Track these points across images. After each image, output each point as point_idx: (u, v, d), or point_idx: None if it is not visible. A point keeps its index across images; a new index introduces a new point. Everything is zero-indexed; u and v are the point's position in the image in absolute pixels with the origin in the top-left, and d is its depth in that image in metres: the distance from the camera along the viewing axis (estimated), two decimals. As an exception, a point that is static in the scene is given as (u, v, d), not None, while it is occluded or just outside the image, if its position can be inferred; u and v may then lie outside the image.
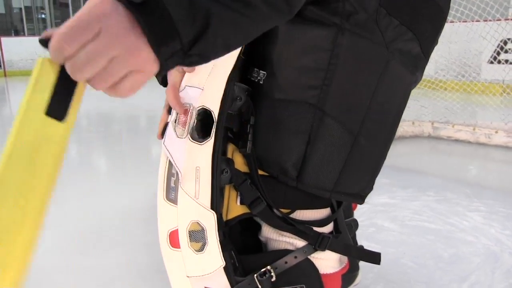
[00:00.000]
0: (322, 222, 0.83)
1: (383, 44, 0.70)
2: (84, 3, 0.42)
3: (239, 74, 0.75)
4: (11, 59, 11.16)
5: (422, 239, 1.90)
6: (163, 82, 0.78)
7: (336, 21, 0.69)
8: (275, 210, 0.78)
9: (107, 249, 1.87)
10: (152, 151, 3.98)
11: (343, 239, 0.87)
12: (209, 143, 0.71)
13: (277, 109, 0.74)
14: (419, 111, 3.79)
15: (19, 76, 10.93)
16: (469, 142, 3.50)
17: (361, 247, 1.03)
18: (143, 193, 2.53)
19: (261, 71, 0.75)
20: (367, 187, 0.80)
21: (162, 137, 0.76)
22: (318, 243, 0.80)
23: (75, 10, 12.50)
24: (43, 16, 13.97)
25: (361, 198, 0.80)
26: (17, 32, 13.65)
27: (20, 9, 13.37)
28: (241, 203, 0.78)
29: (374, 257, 0.87)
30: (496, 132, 3.41)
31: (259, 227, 0.86)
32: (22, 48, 11.08)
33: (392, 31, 0.71)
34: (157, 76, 0.66)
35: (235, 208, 0.78)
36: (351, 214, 1.11)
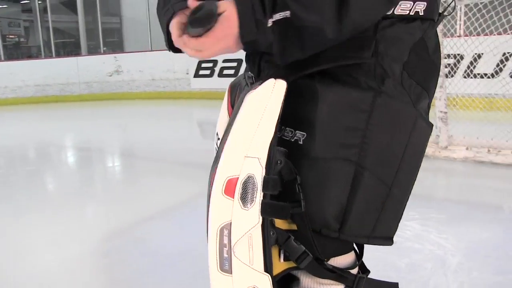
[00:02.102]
0: (354, 265, 0.87)
1: (411, 104, 0.78)
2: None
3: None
4: None
5: (377, 253, 2.00)
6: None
7: (372, 85, 0.75)
8: (325, 262, 0.80)
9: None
10: (48, 187, 3.77)
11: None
12: (255, 208, 0.71)
13: (319, 167, 0.76)
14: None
15: None
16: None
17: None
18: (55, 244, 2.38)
19: (297, 131, 0.77)
20: (395, 229, 0.86)
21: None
22: (355, 284, 0.84)
23: None
24: None
25: (391, 240, 0.85)
26: None
27: None
28: (285, 259, 0.79)
29: None
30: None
31: (290, 279, 0.87)
32: None
33: (414, 92, 0.79)
34: None
35: (278, 265, 0.79)
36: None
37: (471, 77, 4.29)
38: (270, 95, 0.72)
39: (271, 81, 0.72)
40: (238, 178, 0.71)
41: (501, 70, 4.83)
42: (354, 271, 0.88)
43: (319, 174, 0.77)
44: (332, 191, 0.77)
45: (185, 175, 3.82)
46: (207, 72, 9.25)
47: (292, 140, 0.78)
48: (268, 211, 0.71)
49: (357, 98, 0.75)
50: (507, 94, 4.03)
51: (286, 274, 0.86)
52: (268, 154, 0.72)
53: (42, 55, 12.11)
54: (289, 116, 0.78)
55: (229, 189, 0.71)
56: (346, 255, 0.87)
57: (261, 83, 0.73)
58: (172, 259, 2.13)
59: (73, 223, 2.73)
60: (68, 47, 13.23)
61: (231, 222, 0.71)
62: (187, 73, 9.51)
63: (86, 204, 3.20)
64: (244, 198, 0.71)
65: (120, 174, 4.24)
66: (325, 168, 0.77)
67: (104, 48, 11.78)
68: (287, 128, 0.79)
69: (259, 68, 0.90)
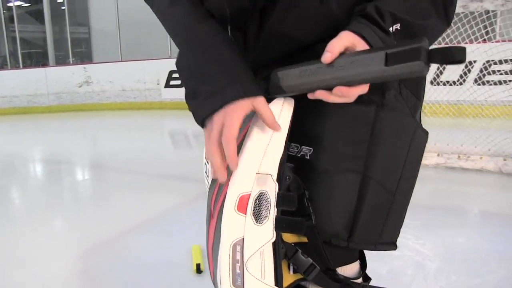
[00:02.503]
0: (359, 274, 0.90)
1: (410, 114, 0.83)
2: None
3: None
4: None
5: (359, 261, 2.08)
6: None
7: (374, 99, 0.79)
8: (335, 271, 0.83)
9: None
10: (16, 202, 3.67)
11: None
12: (269, 224, 0.74)
13: (327, 180, 0.80)
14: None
15: None
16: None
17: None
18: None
19: (303, 146, 0.80)
20: (398, 234, 0.90)
21: None
22: None
23: None
24: None
25: (395, 245, 0.89)
26: None
27: None
28: (294, 272, 0.81)
29: None
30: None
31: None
32: None
33: (410, 101, 0.84)
34: None
35: (288, 277, 0.81)
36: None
37: (441, 85, 4.45)
38: (280, 113, 0.75)
39: (280, 99, 0.75)
40: (250, 194, 0.73)
41: (467, 77, 5.04)
42: (359, 280, 0.91)
43: (327, 186, 0.80)
44: (341, 201, 0.80)
45: (160, 186, 3.80)
46: (178, 82, 9.21)
47: (299, 155, 0.81)
48: (283, 227, 0.73)
49: (361, 112, 0.79)
50: (475, 102, 4.20)
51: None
52: (278, 170, 0.74)
53: (8, 66, 11.78)
54: (294, 132, 0.81)
55: (241, 205, 0.73)
56: (352, 264, 0.90)
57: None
58: (157, 271, 2.11)
59: (47, 240, 2.67)
60: (35, 57, 12.91)
61: (243, 238, 0.73)
62: (158, 84, 9.44)
63: (59, 219, 3.13)
64: (256, 214, 0.73)
65: (93, 188, 4.16)
66: (333, 180, 0.80)
67: (73, 59, 11.56)
68: (292, 144, 0.82)
69: None
